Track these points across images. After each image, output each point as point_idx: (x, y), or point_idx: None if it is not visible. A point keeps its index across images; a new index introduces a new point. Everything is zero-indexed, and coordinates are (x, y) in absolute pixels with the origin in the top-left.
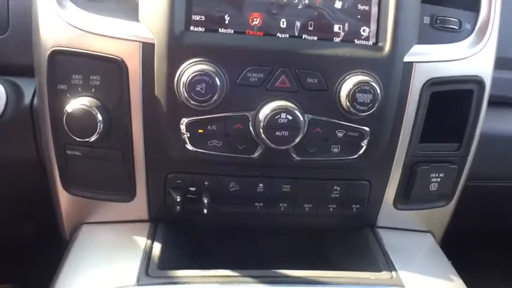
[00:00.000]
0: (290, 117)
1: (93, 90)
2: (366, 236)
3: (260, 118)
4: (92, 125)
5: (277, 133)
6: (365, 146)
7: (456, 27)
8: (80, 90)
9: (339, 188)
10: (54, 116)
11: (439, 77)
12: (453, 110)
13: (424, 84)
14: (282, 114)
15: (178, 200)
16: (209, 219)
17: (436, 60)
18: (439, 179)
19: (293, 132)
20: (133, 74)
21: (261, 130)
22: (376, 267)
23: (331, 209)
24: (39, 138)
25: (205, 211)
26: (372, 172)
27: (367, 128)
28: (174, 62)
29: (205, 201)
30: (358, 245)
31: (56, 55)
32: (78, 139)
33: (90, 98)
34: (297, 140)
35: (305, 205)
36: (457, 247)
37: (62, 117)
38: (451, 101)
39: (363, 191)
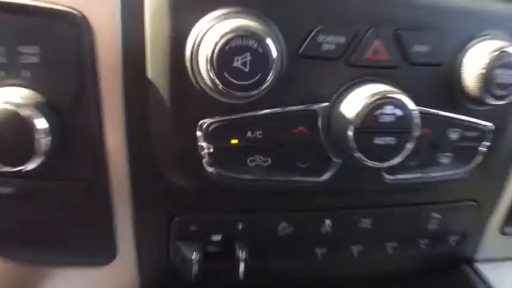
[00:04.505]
0: (400, 113)
1: (28, 74)
2: (464, 275)
3: (343, 114)
4: (27, 141)
5: (376, 140)
6: (484, 152)
7: None
8: (2, 74)
9: (438, 216)
10: None
11: None
12: None
13: None
14: (386, 107)
15: (195, 257)
16: (243, 280)
17: None
18: None
19: (403, 138)
20: (104, 41)
21: (348, 135)
22: None
23: (422, 246)
24: None
25: (241, 271)
26: (481, 188)
27: (490, 124)
28: (185, 16)
29: (241, 256)
30: None
31: None
32: (4, 167)
33: (22, 90)
34: (408, 149)
35: (387, 244)
36: None
37: None
38: None
39: (467, 215)
